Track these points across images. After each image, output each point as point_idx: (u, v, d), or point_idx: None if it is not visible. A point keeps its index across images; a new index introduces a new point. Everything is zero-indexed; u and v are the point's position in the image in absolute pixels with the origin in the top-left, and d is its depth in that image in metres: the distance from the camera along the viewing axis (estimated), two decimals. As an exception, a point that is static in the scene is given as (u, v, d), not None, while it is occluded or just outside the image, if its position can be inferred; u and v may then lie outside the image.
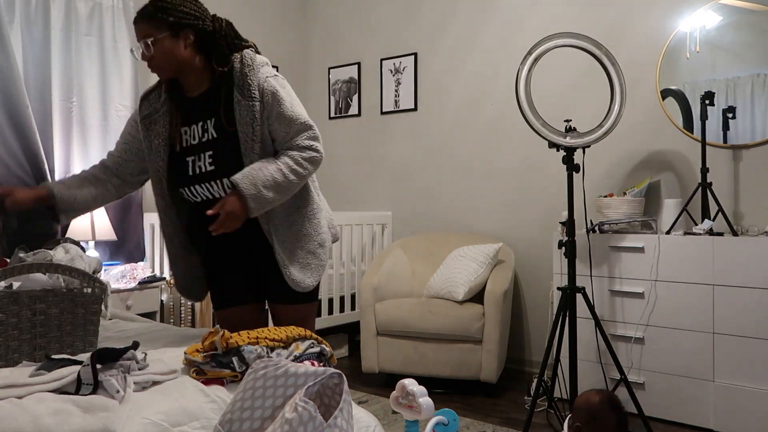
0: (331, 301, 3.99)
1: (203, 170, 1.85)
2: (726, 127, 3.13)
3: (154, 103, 1.92)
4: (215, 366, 1.47)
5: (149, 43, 1.75)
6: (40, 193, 1.91)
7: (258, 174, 1.74)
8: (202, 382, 1.45)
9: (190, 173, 1.87)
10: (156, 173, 1.92)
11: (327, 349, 1.64)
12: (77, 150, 3.60)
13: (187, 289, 2.09)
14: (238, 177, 1.73)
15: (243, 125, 1.80)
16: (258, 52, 1.92)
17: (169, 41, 1.76)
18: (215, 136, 1.83)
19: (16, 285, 1.60)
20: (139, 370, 1.41)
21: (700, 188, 3.00)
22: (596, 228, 3.14)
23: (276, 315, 2.03)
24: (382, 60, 4.54)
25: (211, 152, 1.84)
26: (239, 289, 2.03)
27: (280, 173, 1.77)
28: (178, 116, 1.88)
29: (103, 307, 1.72)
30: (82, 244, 3.44)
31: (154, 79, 1.96)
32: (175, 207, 1.95)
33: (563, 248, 2.73)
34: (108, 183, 2.03)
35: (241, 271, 2.00)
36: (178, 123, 1.88)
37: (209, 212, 1.73)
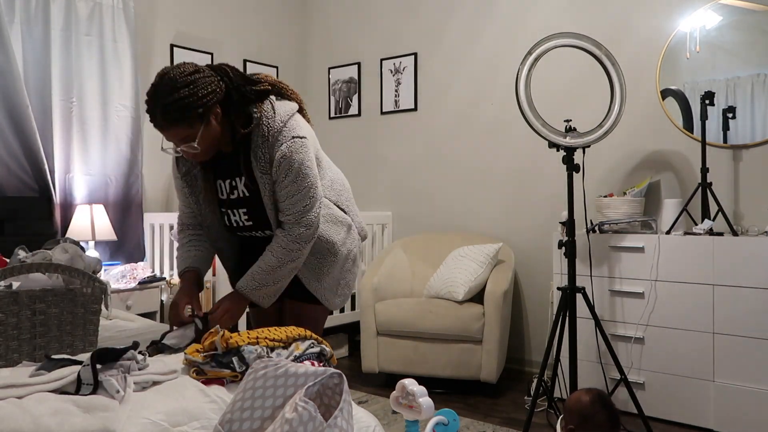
0: (331, 301, 3.99)
1: (241, 224, 1.91)
2: (726, 127, 3.13)
3: (187, 162, 1.90)
4: (215, 366, 1.47)
5: (195, 145, 1.69)
6: (198, 282, 1.97)
7: (253, 270, 1.82)
8: (202, 382, 1.45)
9: (230, 224, 1.94)
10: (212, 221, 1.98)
11: (327, 349, 1.64)
12: (77, 150, 3.60)
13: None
14: (239, 283, 1.83)
15: (263, 190, 1.80)
16: (279, 89, 1.85)
17: (206, 130, 1.70)
18: (246, 194, 1.85)
19: (15, 285, 1.60)
20: (139, 370, 1.41)
21: (700, 188, 3.00)
22: (596, 228, 3.14)
23: (290, 312, 2.02)
24: (382, 60, 4.54)
25: (245, 209, 1.87)
26: None
27: (273, 259, 1.81)
28: (211, 172, 1.90)
29: (104, 307, 1.72)
30: (82, 244, 3.45)
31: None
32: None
33: (563, 248, 2.73)
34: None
35: None
36: (212, 178, 1.90)
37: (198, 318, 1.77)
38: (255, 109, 1.76)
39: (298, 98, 1.90)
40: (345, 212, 2.01)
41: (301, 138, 1.76)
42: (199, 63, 1.77)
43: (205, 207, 1.92)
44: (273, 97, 1.81)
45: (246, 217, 1.88)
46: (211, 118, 1.70)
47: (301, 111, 1.89)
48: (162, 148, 1.78)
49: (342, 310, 4.05)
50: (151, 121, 1.67)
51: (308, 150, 1.79)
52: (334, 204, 1.97)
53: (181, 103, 1.62)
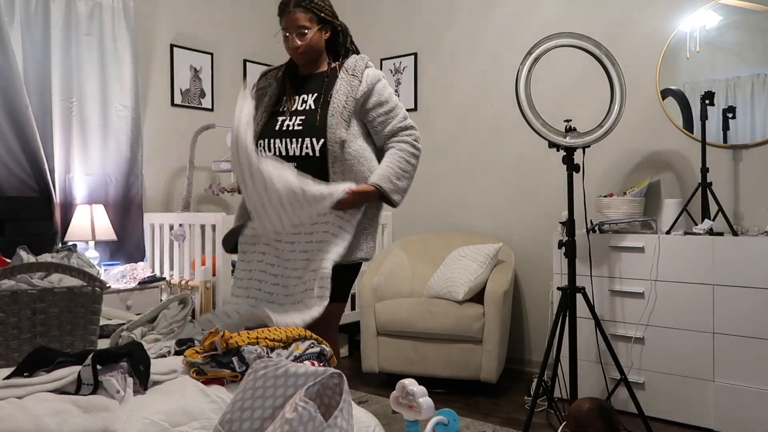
0: (331, 301, 3.98)
1: (290, 128, 2.07)
2: (726, 127, 3.13)
3: (270, 79, 2.23)
4: (215, 366, 1.47)
5: (305, 32, 2.05)
6: None
7: (388, 171, 2.05)
8: (202, 382, 1.45)
9: (277, 129, 2.09)
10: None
11: (327, 349, 1.64)
12: (77, 150, 3.60)
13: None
14: (374, 179, 2.03)
15: (339, 95, 2.06)
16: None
17: (317, 35, 2.09)
18: (312, 107, 2.08)
19: (15, 285, 1.60)
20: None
21: (700, 188, 3.00)
22: (596, 228, 3.14)
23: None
24: (382, 60, 4.54)
25: (303, 117, 2.07)
26: None
27: (403, 162, 2.07)
28: (293, 89, 2.16)
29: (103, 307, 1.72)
30: (82, 244, 3.46)
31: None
32: None
33: (563, 248, 2.73)
34: None
35: None
36: (290, 93, 2.15)
37: (350, 189, 1.97)
38: (349, 50, 2.21)
39: None
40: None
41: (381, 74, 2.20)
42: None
43: (257, 118, 2.12)
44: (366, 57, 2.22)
45: (300, 122, 2.06)
46: (323, 30, 2.11)
47: None
48: (276, 35, 2.18)
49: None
50: (281, 6, 2.07)
51: (381, 73, 2.20)
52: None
53: (314, 1, 2.07)
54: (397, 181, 2.05)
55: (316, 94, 2.10)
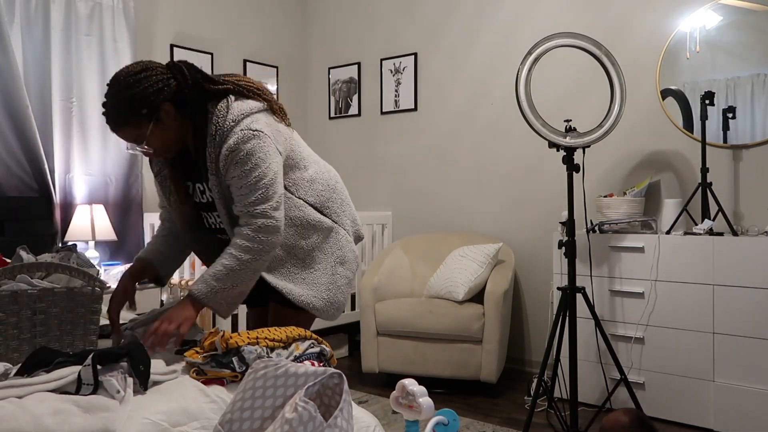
0: (331, 301, 3.99)
1: (219, 226, 1.85)
2: (726, 127, 3.13)
3: (158, 162, 1.87)
4: (215, 366, 1.47)
5: (145, 146, 1.66)
6: (142, 274, 1.90)
7: (208, 271, 1.67)
8: (202, 382, 1.45)
9: (207, 227, 1.89)
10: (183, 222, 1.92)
11: (327, 349, 1.64)
12: (77, 150, 3.60)
13: None
14: (192, 287, 1.66)
15: (215, 193, 1.73)
16: (242, 89, 1.73)
17: (156, 129, 1.64)
18: (213, 199, 1.77)
19: (15, 285, 1.60)
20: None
21: (700, 188, 3.00)
22: (596, 228, 3.14)
23: (274, 315, 1.96)
24: (382, 60, 4.54)
25: (217, 213, 1.80)
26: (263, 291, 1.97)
27: (231, 258, 1.65)
28: (177, 174, 1.83)
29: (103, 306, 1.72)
30: (82, 244, 3.45)
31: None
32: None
33: (563, 248, 2.73)
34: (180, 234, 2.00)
35: None
36: (180, 180, 1.83)
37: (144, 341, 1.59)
38: (210, 108, 1.69)
39: (268, 98, 1.78)
40: (325, 214, 1.89)
41: (254, 131, 1.66)
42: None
43: (175, 209, 1.86)
44: (232, 97, 1.70)
45: (220, 219, 1.79)
46: (162, 116, 1.64)
47: (273, 110, 1.78)
48: (126, 148, 1.71)
49: (342, 310, 4.05)
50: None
51: (262, 142, 1.66)
52: (311, 205, 1.85)
53: (125, 104, 1.60)
54: (216, 282, 1.65)
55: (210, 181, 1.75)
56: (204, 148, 1.70)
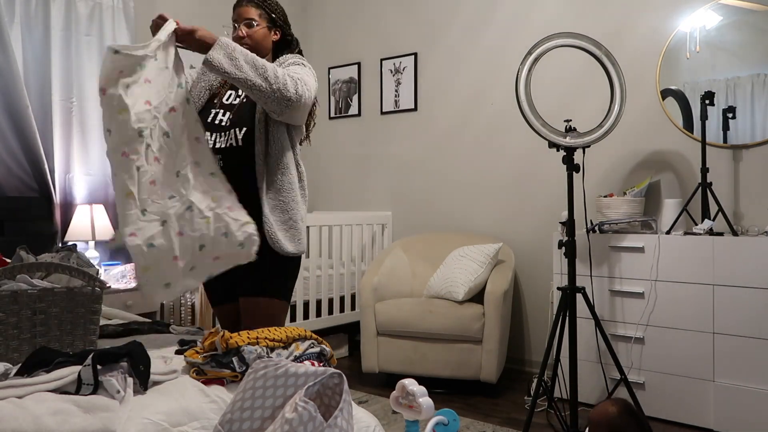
0: (331, 301, 3.99)
1: (223, 123, 2.03)
2: (726, 127, 3.13)
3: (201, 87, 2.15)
4: (215, 366, 1.47)
5: (253, 24, 2.07)
6: None
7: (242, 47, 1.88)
8: (202, 382, 1.45)
9: (209, 121, 2.04)
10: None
11: (327, 349, 1.65)
12: (77, 150, 3.60)
13: None
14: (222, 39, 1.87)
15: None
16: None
17: (264, 31, 2.10)
18: (244, 100, 2.04)
19: (15, 285, 1.60)
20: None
21: (700, 188, 3.00)
22: (596, 228, 3.14)
23: (245, 310, 1.98)
24: (382, 60, 4.54)
25: (233, 110, 2.04)
26: (227, 287, 2.06)
27: (261, 61, 1.85)
28: (217, 95, 2.12)
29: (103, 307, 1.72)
30: (82, 244, 3.45)
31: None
32: None
33: (563, 248, 2.72)
34: None
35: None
36: (225, 83, 2.12)
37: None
38: (285, 52, 2.17)
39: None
40: (302, 187, 2.11)
41: (306, 64, 2.08)
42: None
43: (194, 96, 2.08)
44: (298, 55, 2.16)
45: (230, 116, 2.02)
46: (272, 32, 2.13)
47: None
48: (223, 26, 2.24)
49: (342, 310, 4.05)
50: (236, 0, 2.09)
51: (310, 70, 2.05)
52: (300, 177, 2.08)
53: (270, 1, 2.12)
54: (239, 53, 1.81)
55: None
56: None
